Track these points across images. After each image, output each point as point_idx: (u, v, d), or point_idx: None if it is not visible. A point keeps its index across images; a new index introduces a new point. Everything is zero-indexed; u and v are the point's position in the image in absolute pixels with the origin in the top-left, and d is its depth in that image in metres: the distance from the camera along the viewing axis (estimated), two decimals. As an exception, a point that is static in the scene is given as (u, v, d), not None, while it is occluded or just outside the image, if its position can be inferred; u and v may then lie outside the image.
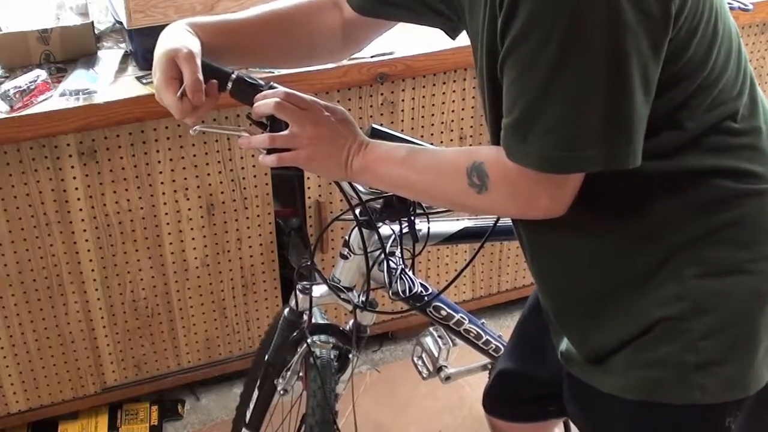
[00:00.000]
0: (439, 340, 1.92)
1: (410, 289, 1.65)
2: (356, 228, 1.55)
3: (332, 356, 1.70)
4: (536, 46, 0.99)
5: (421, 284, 1.70)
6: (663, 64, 1.03)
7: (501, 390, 1.66)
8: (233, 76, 1.29)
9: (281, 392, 1.72)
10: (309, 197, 2.31)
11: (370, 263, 1.54)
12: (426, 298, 1.70)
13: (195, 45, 1.25)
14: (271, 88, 1.29)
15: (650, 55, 1.00)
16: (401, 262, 1.65)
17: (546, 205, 1.10)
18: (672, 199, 1.12)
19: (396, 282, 1.63)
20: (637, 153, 1.04)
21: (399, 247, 1.62)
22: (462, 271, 1.58)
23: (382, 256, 1.60)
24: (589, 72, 0.99)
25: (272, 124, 1.26)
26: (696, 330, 1.13)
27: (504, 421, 1.68)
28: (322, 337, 1.70)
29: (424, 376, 2.00)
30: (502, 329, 2.70)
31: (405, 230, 1.57)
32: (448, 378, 1.95)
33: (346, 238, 1.62)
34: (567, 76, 0.99)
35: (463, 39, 1.43)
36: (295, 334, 1.68)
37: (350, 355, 1.69)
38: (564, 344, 1.31)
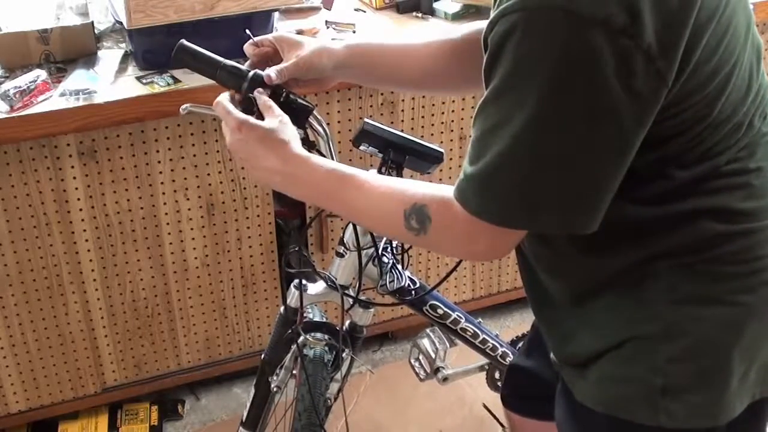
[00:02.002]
0: (436, 341, 1.92)
1: (399, 285, 1.65)
2: (350, 224, 1.55)
3: (326, 355, 1.70)
4: (512, 105, 0.97)
5: (410, 279, 1.70)
6: (653, 124, 1.01)
7: (513, 384, 1.67)
8: (221, 64, 1.35)
9: (274, 389, 1.73)
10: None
11: (364, 260, 1.54)
12: (414, 292, 1.69)
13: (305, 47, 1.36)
14: (256, 76, 1.32)
15: (632, 129, 0.98)
16: (392, 258, 1.64)
17: (486, 251, 1.11)
18: (653, 239, 1.11)
19: (386, 277, 1.63)
20: (596, 221, 1.03)
21: (390, 242, 1.62)
22: (454, 269, 1.57)
23: (377, 252, 1.60)
24: (562, 141, 0.97)
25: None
26: (664, 353, 1.12)
27: (518, 415, 1.67)
28: (317, 335, 1.70)
29: (422, 377, 2.00)
30: (502, 329, 2.70)
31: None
32: (445, 379, 1.95)
33: (342, 236, 1.62)
34: (539, 140, 0.97)
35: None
36: (289, 331, 1.69)
37: (344, 354, 1.69)
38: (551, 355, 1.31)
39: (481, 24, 1.39)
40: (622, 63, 0.93)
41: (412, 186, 1.15)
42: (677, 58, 0.97)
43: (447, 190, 1.10)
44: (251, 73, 1.32)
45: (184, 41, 1.35)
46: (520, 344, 2.11)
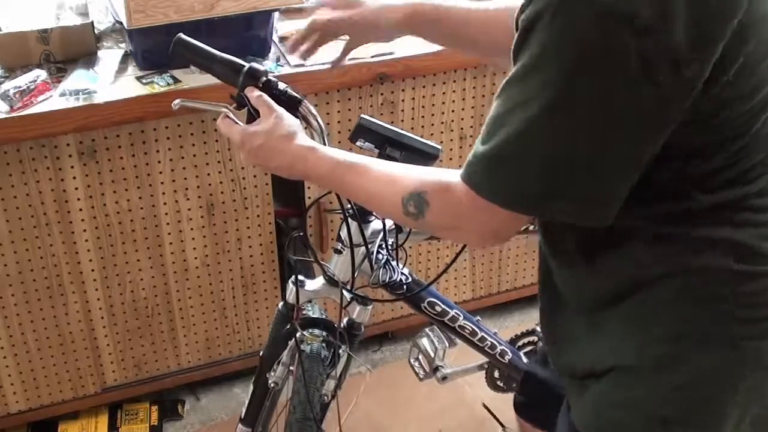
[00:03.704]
0: (435, 340, 1.92)
1: (390, 278, 1.65)
2: (345, 222, 1.54)
3: (322, 351, 1.70)
4: (533, 87, 0.96)
5: (405, 275, 1.69)
6: (683, 130, 0.98)
7: (528, 392, 1.63)
8: (218, 57, 1.38)
9: (271, 385, 1.73)
10: (309, 197, 2.31)
11: (360, 258, 1.53)
12: (405, 286, 1.69)
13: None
14: (251, 70, 1.34)
15: (652, 126, 0.96)
16: (386, 254, 1.64)
17: (490, 236, 1.10)
18: (666, 259, 1.08)
19: (378, 272, 1.63)
20: (608, 215, 1.01)
21: (385, 238, 1.61)
22: (449, 265, 1.56)
23: (373, 248, 1.60)
24: (578, 127, 0.96)
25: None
26: (667, 383, 1.10)
27: (530, 424, 1.65)
28: (314, 332, 1.70)
29: (421, 376, 1.99)
30: (502, 329, 2.69)
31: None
32: (444, 378, 1.95)
33: (339, 232, 1.62)
34: (555, 124, 0.96)
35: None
36: (287, 327, 1.69)
37: (340, 351, 1.69)
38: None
39: None
40: (645, 60, 0.91)
41: (412, 172, 1.16)
42: (709, 62, 0.94)
43: (447, 175, 1.10)
44: (246, 67, 1.33)
45: (181, 35, 1.37)
46: (519, 343, 2.11)
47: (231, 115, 1.34)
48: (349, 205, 1.50)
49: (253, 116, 1.31)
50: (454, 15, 1.43)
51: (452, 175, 1.09)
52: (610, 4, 0.90)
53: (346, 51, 1.60)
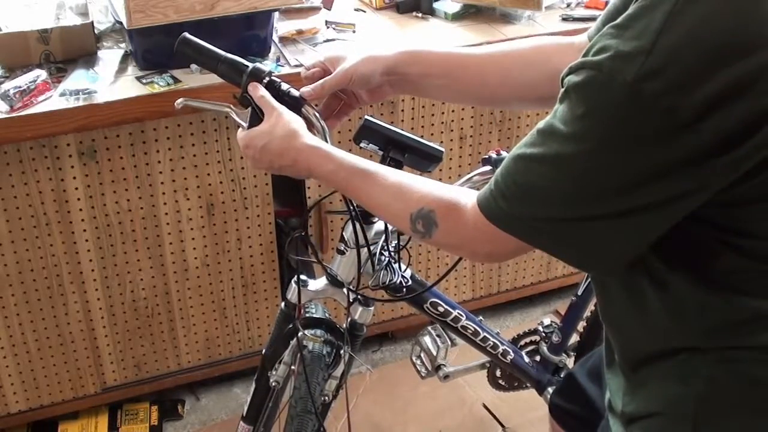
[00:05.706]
0: (437, 339, 1.93)
1: (391, 281, 1.64)
2: (350, 222, 1.54)
3: (324, 351, 1.69)
4: (554, 141, 0.94)
5: (406, 277, 1.69)
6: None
7: (566, 396, 1.60)
8: (222, 57, 1.37)
9: (273, 384, 1.73)
10: (309, 197, 2.31)
11: (363, 258, 1.53)
12: (405, 288, 1.69)
13: (350, 61, 1.35)
14: (254, 70, 1.33)
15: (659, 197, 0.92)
16: (389, 255, 1.64)
17: (488, 255, 1.13)
18: (716, 334, 1.03)
19: (379, 273, 1.62)
20: (602, 267, 1.01)
21: (387, 240, 1.61)
22: (452, 268, 1.56)
23: (376, 250, 1.59)
24: (586, 190, 0.94)
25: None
26: None
27: (563, 430, 1.63)
28: (316, 332, 1.70)
29: (423, 375, 2.00)
30: (502, 329, 2.70)
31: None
32: (446, 377, 1.96)
33: (342, 233, 1.61)
34: (587, 165, 0.93)
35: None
36: (289, 326, 1.69)
37: (341, 351, 1.69)
38: (607, 393, 1.23)
39: (547, 39, 1.38)
40: (669, 143, 0.88)
41: (421, 187, 1.14)
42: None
43: (457, 194, 1.09)
44: (251, 67, 1.33)
45: (186, 34, 1.37)
46: (521, 342, 2.11)
47: (234, 115, 1.35)
48: (353, 206, 1.49)
49: (257, 114, 1.31)
50: (445, 57, 1.39)
51: (462, 195, 1.08)
52: (648, 95, 0.87)
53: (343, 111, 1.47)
